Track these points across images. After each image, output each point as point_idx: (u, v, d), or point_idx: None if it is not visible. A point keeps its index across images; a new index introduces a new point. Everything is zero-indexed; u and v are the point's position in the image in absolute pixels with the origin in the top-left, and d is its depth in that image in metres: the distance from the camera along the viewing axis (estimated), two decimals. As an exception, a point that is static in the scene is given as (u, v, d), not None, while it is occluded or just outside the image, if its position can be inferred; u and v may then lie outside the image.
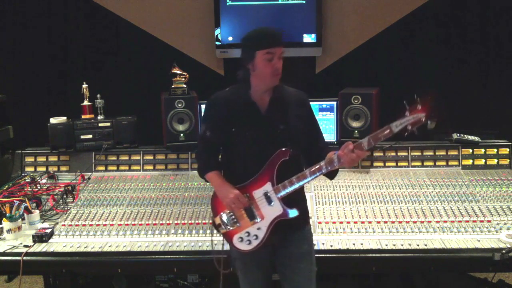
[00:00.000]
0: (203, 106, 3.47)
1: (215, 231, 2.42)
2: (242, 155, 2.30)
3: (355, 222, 2.79)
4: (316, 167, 2.22)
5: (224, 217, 2.33)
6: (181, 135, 3.39)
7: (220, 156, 2.44)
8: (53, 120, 3.44)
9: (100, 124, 3.46)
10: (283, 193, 2.24)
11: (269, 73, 2.22)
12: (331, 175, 2.35)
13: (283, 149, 2.24)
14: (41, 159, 3.43)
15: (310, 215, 2.54)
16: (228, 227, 2.33)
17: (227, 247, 2.45)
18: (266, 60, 2.19)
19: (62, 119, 3.47)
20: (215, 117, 2.36)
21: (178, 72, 3.42)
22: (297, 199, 2.33)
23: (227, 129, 2.30)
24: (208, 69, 4.05)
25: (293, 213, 2.26)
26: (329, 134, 3.44)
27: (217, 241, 2.49)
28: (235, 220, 2.31)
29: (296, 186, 2.24)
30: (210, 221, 2.82)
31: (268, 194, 2.26)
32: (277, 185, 2.25)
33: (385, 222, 2.78)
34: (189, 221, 2.87)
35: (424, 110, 2.06)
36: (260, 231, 2.27)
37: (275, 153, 2.24)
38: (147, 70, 4.00)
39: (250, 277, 2.42)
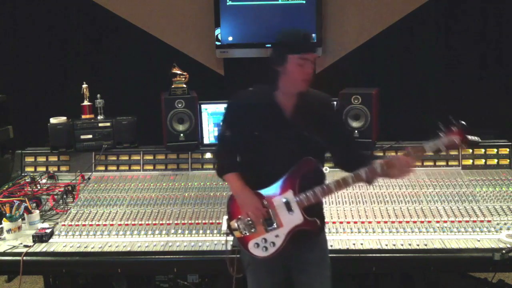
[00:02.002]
0: (203, 106, 3.47)
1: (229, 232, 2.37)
2: (261, 158, 2.25)
3: (355, 222, 2.79)
4: (343, 181, 2.19)
5: (241, 222, 2.28)
6: (181, 135, 3.39)
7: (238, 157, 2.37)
8: (53, 120, 3.43)
9: (100, 124, 3.46)
10: (306, 204, 2.21)
11: (299, 78, 2.16)
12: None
13: (310, 158, 2.20)
14: (41, 159, 3.43)
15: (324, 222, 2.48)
16: (244, 232, 2.28)
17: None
18: (298, 65, 2.13)
19: (62, 119, 3.47)
20: (236, 117, 2.30)
21: (178, 72, 3.42)
22: (314, 209, 2.28)
23: (248, 130, 2.25)
24: (208, 69, 4.06)
25: (313, 222, 2.24)
26: (329, 134, 3.44)
27: (231, 241, 2.45)
28: (252, 225, 2.26)
29: (321, 198, 2.24)
30: (211, 221, 2.84)
31: (289, 203, 2.21)
32: (298, 193, 2.20)
33: (385, 222, 2.78)
34: (189, 221, 2.86)
35: (459, 133, 2.07)
36: (278, 239, 2.23)
37: (300, 162, 2.19)
38: (147, 70, 4.00)
39: (261, 283, 2.38)
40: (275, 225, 2.24)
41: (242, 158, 2.34)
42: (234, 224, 2.30)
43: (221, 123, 2.41)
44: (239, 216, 2.28)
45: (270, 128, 2.22)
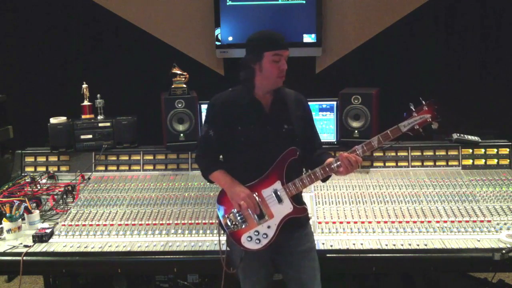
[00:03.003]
0: (203, 106, 3.47)
1: (222, 231, 2.40)
2: (245, 154, 2.31)
3: (355, 222, 2.79)
4: (328, 165, 2.26)
5: (232, 217, 2.32)
6: (181, 135, 3.39)
7: (221, 157, 2.44)
8: (53, 120, 3.43)
9: (100, 124, 3.46)
10: (295, 193, 2.29)
11: (275, 74, 2.27)
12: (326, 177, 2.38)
13: (293, 148, 2.28)
14: (41, 159, 3.43)
15: (310, 215, 2.56)
16: (236, 226, 2.31)
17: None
18: (274, 61, 2.24)
19: (62, 119, 3.47)
20: (218, 117, 2.35)
21: (178, 72, 3.42)
22: (299, 196, 2.38)
23: (231, 129, 2.30)
24: (208, 69, 4.06)
25: (303, 209, 2.32)
26: (329, 134, 3.44)
27: (224, 241, 2.46)
28: (243, 219, 2.30)
29: (308, 185, 2.30)
30: (211, 221, 2.84)
31: (278, 193, 2.28)
32: (286, 183, 2.28)
33: (385, 222, 2.78)
34: (189, 221, 2.87)
35: (429, 111, 2.22)
36: (270, 230, 2.29)
37: (284, 152, 2.27)
38: (147, 70, 4.00)
39: (253, 277, 2.41)
40: (266, 217, 2.28)
41: (227, 156, 2.41)
42: (226, 220, 2.33)
43: (203, 125, 2.46)
44: (231, 210, 2.32)
45: (253, 123, 2.30)
